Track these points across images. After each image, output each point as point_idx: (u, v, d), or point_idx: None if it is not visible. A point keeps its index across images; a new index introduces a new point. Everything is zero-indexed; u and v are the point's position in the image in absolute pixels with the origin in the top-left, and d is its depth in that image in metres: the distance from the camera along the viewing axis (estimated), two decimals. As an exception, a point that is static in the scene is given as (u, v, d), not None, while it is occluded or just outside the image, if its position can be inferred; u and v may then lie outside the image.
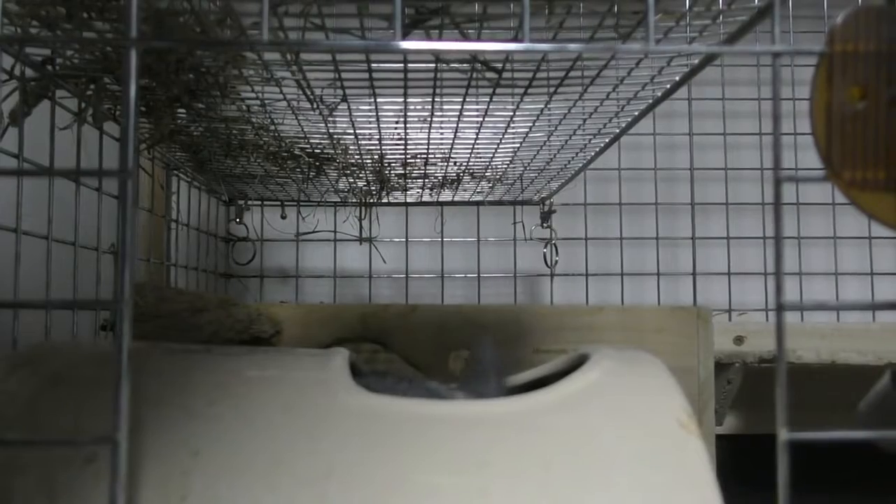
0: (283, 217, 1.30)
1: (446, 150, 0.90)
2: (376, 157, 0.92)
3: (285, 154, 0.86)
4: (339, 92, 0.64)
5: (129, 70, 0.30)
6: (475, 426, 0.38)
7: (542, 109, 0.72)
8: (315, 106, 0.66)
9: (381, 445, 0.37)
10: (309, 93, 0.63)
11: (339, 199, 1.24)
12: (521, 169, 1.02)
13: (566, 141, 0.86)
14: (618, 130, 0.82)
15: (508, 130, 0.80)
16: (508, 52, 0.49)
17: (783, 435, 0.30)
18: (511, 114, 0.73)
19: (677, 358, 0.82)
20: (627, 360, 0.44)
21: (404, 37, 0.45)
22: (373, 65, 0.58)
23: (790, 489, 0.31)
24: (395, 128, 0.80)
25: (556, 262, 1.32)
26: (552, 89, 0.65)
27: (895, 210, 0.31)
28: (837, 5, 1.20)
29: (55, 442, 0.36)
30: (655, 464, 0.37)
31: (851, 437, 0.32)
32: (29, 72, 0.56)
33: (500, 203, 1.30)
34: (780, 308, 0.30)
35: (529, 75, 0.61)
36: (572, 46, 0.31)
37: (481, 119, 0.75)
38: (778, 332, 0.30)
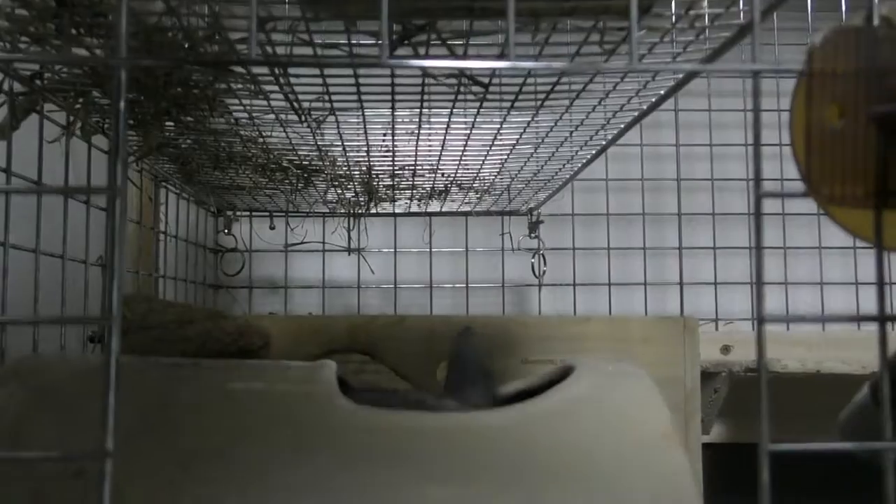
0: (272, 228, 1.30)
1: (434, 162, 0.90)
2: (364, 168, 0.92)
3: (274, 166, 0.86)
4: (327, 105, 0.64)
5: (118, 88, 0.30)
6: (462, 437, 0.38)
7: (529, 122, 0.73)
8: (303, 118, 0.66)
9: (369, 457, 0.37)
10: (297, 105, 0.63)
11: (327, 210, 1.24)
12: (509, 180, 1.02)
13: (553, 152, 0.87)
14: (605, 142, 0.83)
15: (496, 142, 0.81)
16: (493, 70, 0.49)
17: (766, 446, 0.31)
18: (498, 126, 0.74)
19: (664, 368, 0.82)
20: (612, 372, 0.45)
21: (392, 52, 0.46)
22: (360, 78, 0.59)
23: (774, 497, 0.31)
24: (383, 140, 0.80)
25: (544, 272, 1.32)
26: (539, 102, 0.65)
27: (873, 225, 0.32)
28: (822, 18, 1.21)
29: (43, 458, 0.36)
30: (639, 474, 0.37)
31: (831, 447, 0.33)
32: (17, 86, 0.56)
33: (487, 214, 1.31)
34: (762, 320, 0.31)
35: (516, 89, 0.61)
36: (557, 64, 0.32)
37: (469, 131, 0.76)
38: (759, 345, 0.31)
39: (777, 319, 0.34)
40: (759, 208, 0.31)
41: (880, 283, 0.32)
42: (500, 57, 0.42)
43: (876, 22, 0.32)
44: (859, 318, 0.36)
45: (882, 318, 0.33)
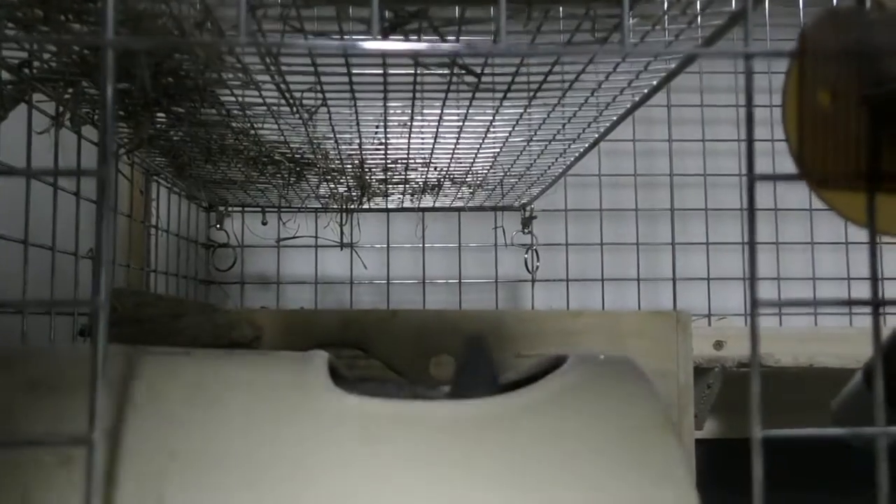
0: (264, 223, 1.29)
1: (427, 156, 0.90)
2: (357, 162, 0.92)
3: (265, 159, 0.86)
4: (319, 96, 0.64)
5: (105, 70, 0.30)
6: (451, 428, 0.38)
7: (521, 114, 0.73)
8: (295, 110, 0.66)
9: (360, 446, 0.37)
10: (289, 97, 0.63)
11: (319, 205, 1.24)
12: (502, 174, 1.02)
13: (546, 146, 0.87)
14: (597, 135, 0.83)
15: (488, 135, 0.81)
16: (486, 54, 0.49)
17: (757, 433, 0.31)
18: (491, 118, 0.74)
19: (657, 362, 0.82)
20: (605, 363, 0.44)
21: (383, 40, 0.46)
22: (353, 70, 0.59)
23: (768, 489, 0.31)
24: (376, 133, 0.80)
25: (537, 267, 1.32)
26: (531, 94, 0.65)
27: (864, 209, 0.32)
28: (813, 13, 1.21)
29: (29, 443, 0.36)
30: (633, 468, 0.37)
31: (824, 434, 0.32)
32: (5, 75, 0.56)
33: (481, 209, 1.31)
34: (755, 304, 0.31)
35: (508, 79, 0.61)
36: (549, 48, 0.32)
37: (461, 124, 0.76)
38: (752, 330, 0.31)
39: (770, 304, 0.34)
40: (752, 192, 0.31)
41: (873, 267, 0.32)
42: (493, 43, 0.42)
43: (867, 4, 0.32)
44: (851, 303, 0.36)
45: (875, 303, 0.33)
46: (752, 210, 0.33)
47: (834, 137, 0.32)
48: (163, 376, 0.40)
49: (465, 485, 0.36)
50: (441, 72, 0.56)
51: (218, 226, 1.29)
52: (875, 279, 0.32)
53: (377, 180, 1.03)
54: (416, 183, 1.06)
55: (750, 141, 0.32)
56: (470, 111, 0.70)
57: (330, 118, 0.72)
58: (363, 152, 0.87)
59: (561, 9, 0.46)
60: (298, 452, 0.36)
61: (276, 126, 0.73)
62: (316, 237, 1.31)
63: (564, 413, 0.39)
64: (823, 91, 0.32)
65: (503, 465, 0.36)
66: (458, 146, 0.85)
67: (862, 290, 1.31)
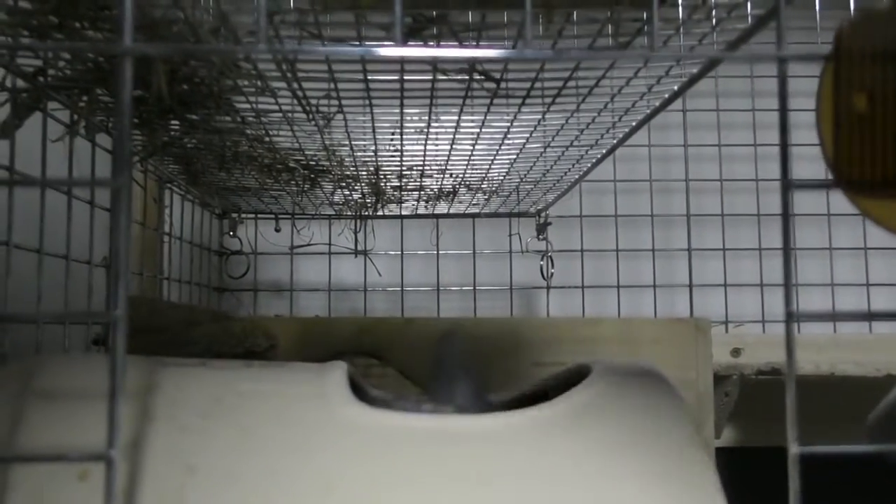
0: (278, 230, 1.29)
1: (442, 162, 0.89)
2: (372, 169, 0.91)
3: (280, 166, 0.85)
4: (335, 103, 0.63)
5: (123, 77, 0.29)
6: (477, 441, 0.37)
7: (538, 121, 0.72)
8: (311, 117, 0.65)
9: (380, 460, 0.36)
10: (305, 104, 0.62)
11: (333, 212, 1.23)
12: (517, 181, 1.02)
13: (562, 153, 0.86)
14: (614, 142, 0.82)
15: (505, 142, 0.80)
16: (509, 59, 0.48)
17: (794, 449, 0.29)
18: (507, 125, 0.73)
19: (676, 370, 0.81)
20: (630, 372, 0.44)
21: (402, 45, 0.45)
22: (369, 75, 0.58)
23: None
24: (392, 139, 0.79)
25: (552, 274, 1.31)
26: (549, 100, 0.64)
27: (904, 217, 0.31)
28: (829, 17, 1.20)
29: (47, 458, 0.35)
30: (662, 477, 0.36)
31: (862, 450, 0.31)
32: (20, 83, 0.55)
33: (495, 215, 1.30)
34: (790, 318, 0.30)
35: (526, 86, 0.60)
36: (574, 53, 0.31)
37: (478, 130, 0.75)
38: (788, 342, 0.30)
39: (805, 317, 0.33)
40: (787, 199, 0.30)
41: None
42: (515, 48, 0.41)
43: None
44: (878, 317, 0.35)
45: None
46: (786, 217, 0.32)
47: (871, 142, 0.31)
48: (180, 388, 0.39)
49: (492, 499, 0.35)
50: (459, 77, 0.55)
51: (231, 233, 1.29)
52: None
53: (392, 187, 1.02)
54: (432, 189, 1.05)
55: (784, 146, 0.31)
56: (487, 118, 0.69)
57: (346, 125, 0.72)
58: (378, 159, 0.87)
59: (581, 15, 0.45)
60: (319, 466, 0.35)
61: (290, 133, 0.73)
62: (329, 244, 1.31)
63: (591, 426, 0.38)
64: (859, 94, 0.31)
65: (530, 480, 0.35)
66: (474, 152, 0.84)
67: (881, 297, 1.29)
